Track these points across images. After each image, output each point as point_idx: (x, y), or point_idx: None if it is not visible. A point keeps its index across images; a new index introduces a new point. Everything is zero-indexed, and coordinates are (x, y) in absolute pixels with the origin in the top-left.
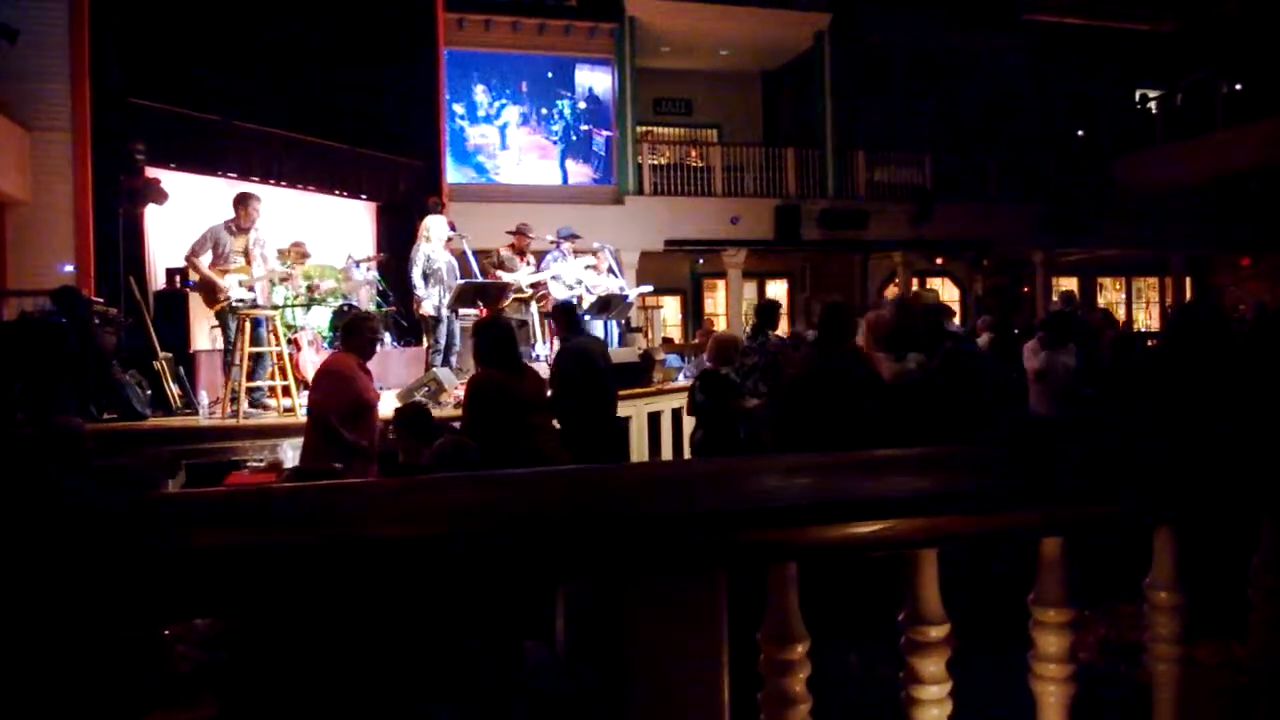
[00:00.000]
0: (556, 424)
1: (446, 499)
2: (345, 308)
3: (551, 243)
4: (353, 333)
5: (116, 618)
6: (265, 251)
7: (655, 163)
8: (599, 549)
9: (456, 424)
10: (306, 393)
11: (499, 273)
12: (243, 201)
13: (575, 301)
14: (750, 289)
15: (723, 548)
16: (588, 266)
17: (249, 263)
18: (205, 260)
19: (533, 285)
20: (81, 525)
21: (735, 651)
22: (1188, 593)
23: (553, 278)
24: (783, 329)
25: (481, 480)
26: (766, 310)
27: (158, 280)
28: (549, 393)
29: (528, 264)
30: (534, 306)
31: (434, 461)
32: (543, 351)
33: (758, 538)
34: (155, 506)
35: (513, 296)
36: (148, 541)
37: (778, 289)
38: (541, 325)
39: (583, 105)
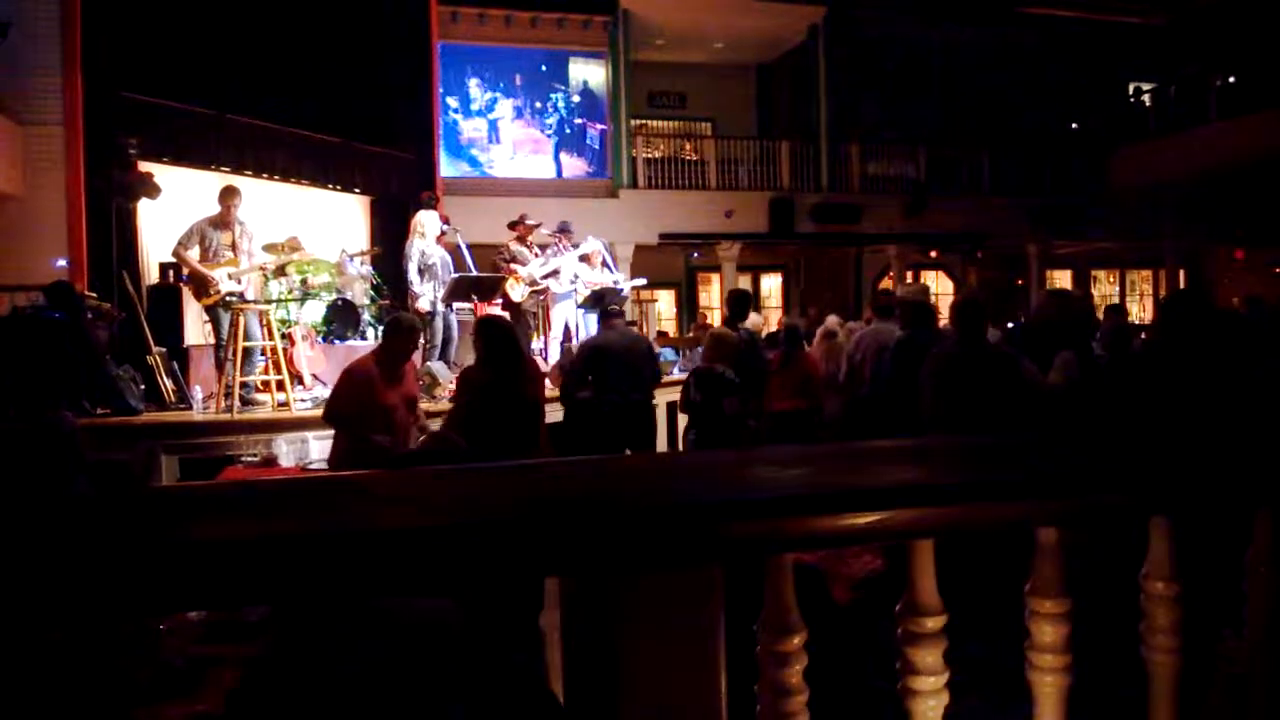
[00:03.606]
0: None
1: (442, 491)
2: (339, 302)
3: (552, 236)
4: (386, 335)
5: (116, 611)
6: (251, 246)
7: (649, 156)
8: (594, 541)
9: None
10: (300, 388)
11: (513, 266)
12: (222, 196)
13: (571, 295)
14: (745, 282)
15: (718, 539)
16: (581, 258)
17: (236, 256)
18: (194, 255)
19: (544, 277)
20: (79, 518)
21: (732, 641)
22: (1184, 583)
23: (554, 272)
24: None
25: (475, 473)
26: (739, 301)
27: (151, 275)
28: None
29: (536, 255)
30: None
31: (419, 459)
32: (539, 345)
33: (754, 529)
34: (155, 499)
35: (529, 290)
36: (148, 534)
37: (772, 282)
38: (544, 319)
39: (577, 98)
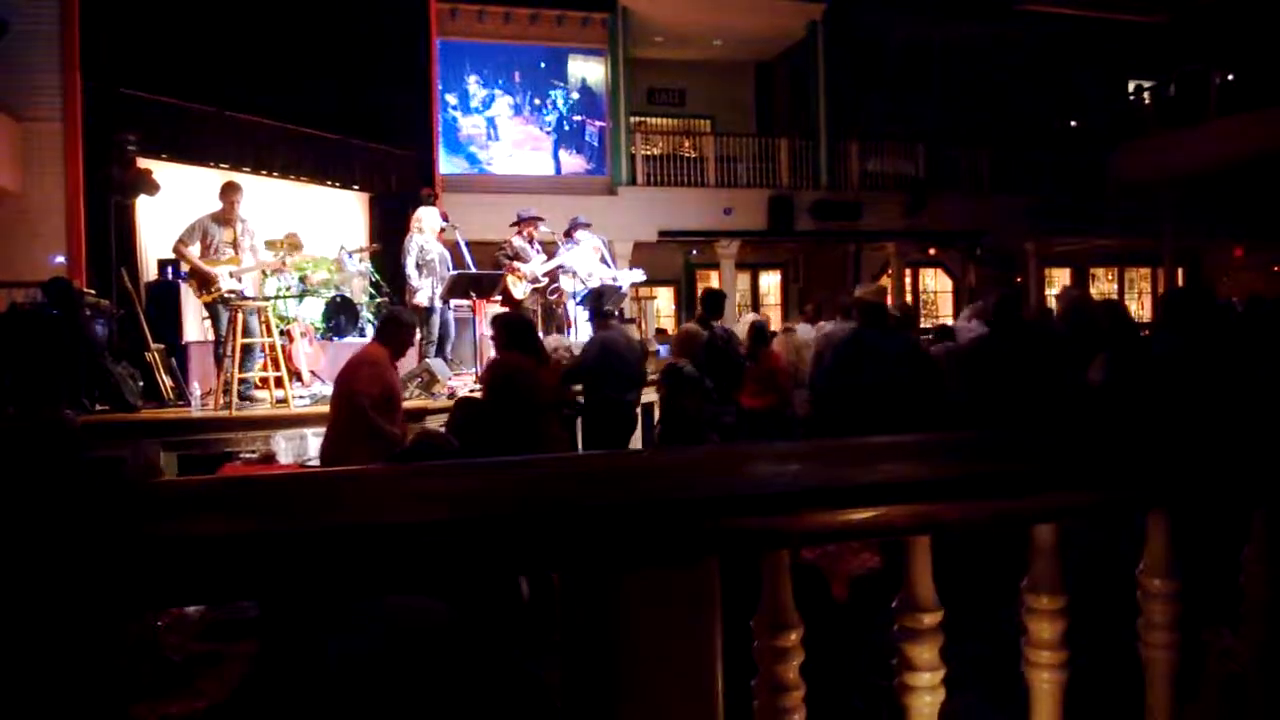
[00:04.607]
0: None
1: (440, 486)
2: (338, 299)
3: (565, 234)
4: (391, 328)
5: (115, 605)
6: (255, 243)
7: (648, 153)
8: (590, 536)
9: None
10: (298, 385)
11: (516, 264)
12: (224, 192)
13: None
14: (744, 280)
15: (715, 534)
16: (596, 248)
17: (237, 253)
18: (194, 251)
19: (546, 274)
20: (78, 512)
21: (730, 637)
22: (1182, 580)
23: (561, 268)
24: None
25: (474, 468)
26: (713, 299)
27: (149, 272)
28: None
29: (538, 252)
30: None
31: (407, 459)
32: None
33: (751, 524)
34: (155, 493)
35: (531, 287)
36: (148, 527)
37: (771, 280)
38: (543, 317)
39: (576, 96)
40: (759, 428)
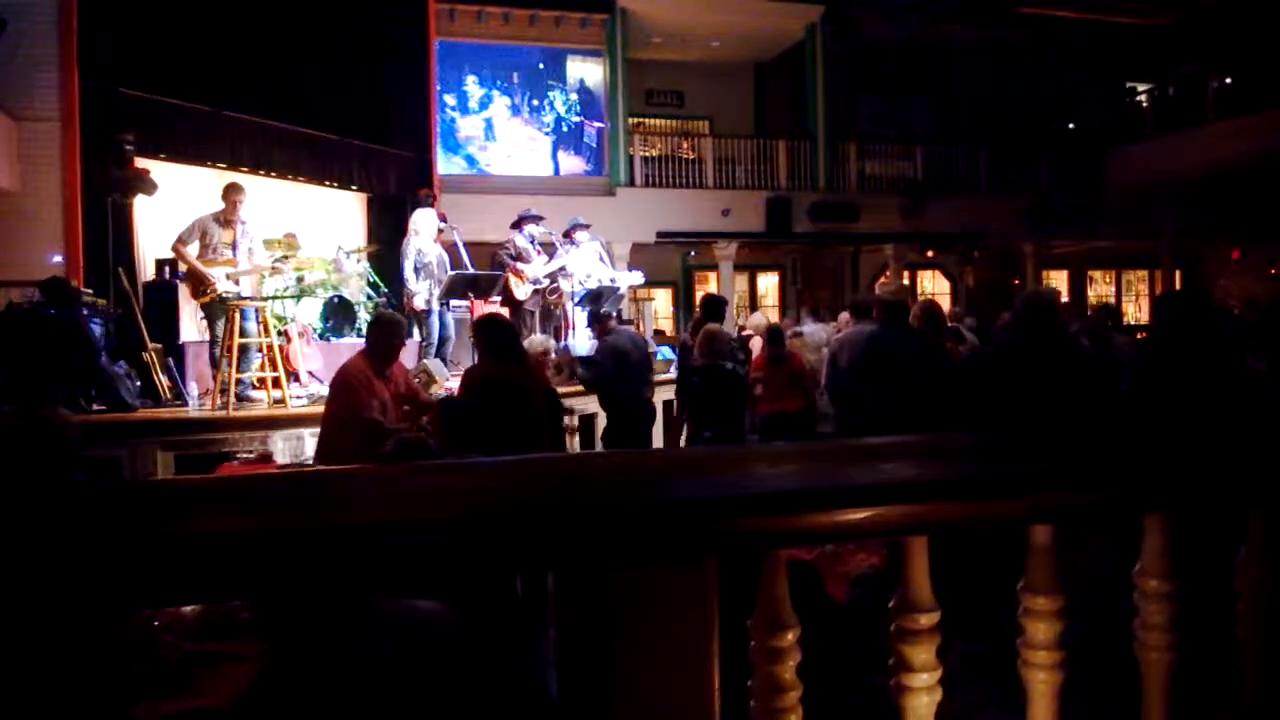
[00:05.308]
0: None
1: (436, 486)
2: (335, 299)
3: (564, 235)
4: (370, 335)
5: (111, 603)
6: (254, 245)
7: (647, 154)
8: (588, 536)
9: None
10: (296, 385)
11: (518, 264)
12: (227, 193)
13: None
14: (742, 281)
15: (712, 534)
16: (596, 250)
17: (235, 255)
18: (193, 250)
19: (548, 276)
20: (74, 510)
21: (726, 637)
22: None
23: (562, 270)
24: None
25: (470, 468)
26: (712, 305)
27: (147, 271)
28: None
29: (539, 253)
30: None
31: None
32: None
33: (748, 525)
34: (152, 491)
35: (532, 289)
36: (144, 526)
37: (769, 281)
38: (540, 318)
39: (574, 97)
40: (782, 432)
